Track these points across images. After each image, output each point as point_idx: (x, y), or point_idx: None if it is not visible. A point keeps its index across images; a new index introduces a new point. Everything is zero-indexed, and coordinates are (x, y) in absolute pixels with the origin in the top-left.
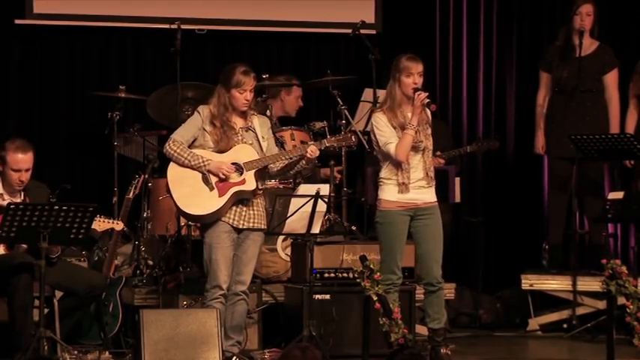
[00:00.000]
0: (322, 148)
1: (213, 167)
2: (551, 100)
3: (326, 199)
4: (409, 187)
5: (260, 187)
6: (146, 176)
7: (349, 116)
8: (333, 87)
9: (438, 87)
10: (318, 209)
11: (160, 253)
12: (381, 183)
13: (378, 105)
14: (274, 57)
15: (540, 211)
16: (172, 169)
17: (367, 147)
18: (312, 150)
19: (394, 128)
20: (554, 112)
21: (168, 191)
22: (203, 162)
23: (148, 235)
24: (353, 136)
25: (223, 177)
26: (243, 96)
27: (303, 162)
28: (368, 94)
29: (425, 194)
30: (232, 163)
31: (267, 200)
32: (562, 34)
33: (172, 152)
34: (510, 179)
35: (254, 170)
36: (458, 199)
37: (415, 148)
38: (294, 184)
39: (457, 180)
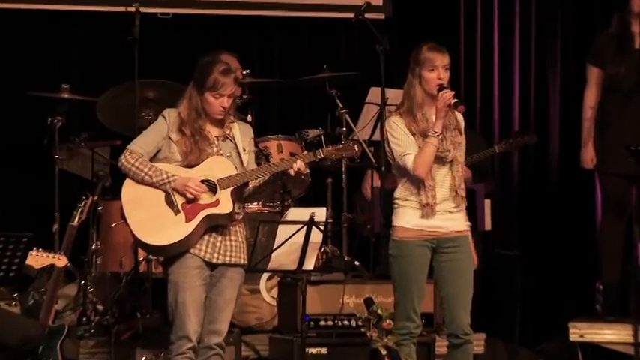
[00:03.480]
0: (317, 160)
1: (178, 185)
2: (603, 101)
3: (322, 227)
4: (434, 210)
5: (238, 211)
6: (95, 198)
7: (351, 122)
8: (331, 86)
9: (463, 83)
10: (311, 239)
11: (113, 295)
12: (397, 205)
13: (390, 106)
14: (257, 48)
15: (592, 241)
16: (128, 188)
17: (374, 161)
18: (299, 166)
19: (413, 136)
20: (608, 116)
21: (123, 216)
22: (167, 178)
23: (98, 273)
24: (356, 146)
25: (191, 197)
26: (218, 102)
27: (284, 179)
28: (375, 94)
29: (452, 220)
30: (203, 181)
31: (249, 228)
32: (617, 19)
33: (129, 166)
34: (554, 201)
35: (230, 189)
36: (488, 226)
37: (441, 160)
38: (281, 208)
39: (487, 202)
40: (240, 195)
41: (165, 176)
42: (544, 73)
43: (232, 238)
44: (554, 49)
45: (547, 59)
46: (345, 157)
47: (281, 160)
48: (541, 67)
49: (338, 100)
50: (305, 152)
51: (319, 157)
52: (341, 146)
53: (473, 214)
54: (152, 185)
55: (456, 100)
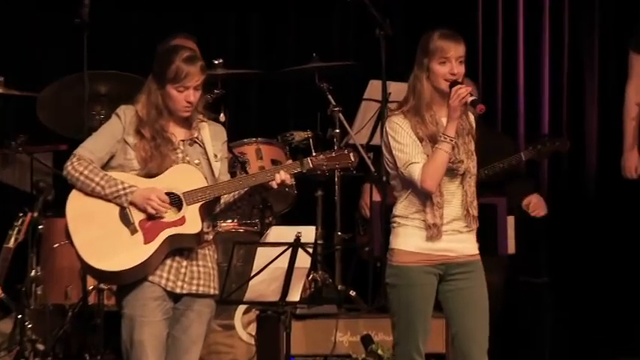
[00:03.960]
0: (305, 171)
1: (137, 198)
2: None
3: (310, 249)
4: (442, 231)
5: (207, 230)
6: (35, 214)
7: (346, 123)
8: (322, 78)
9: (482, 78)
10: (297, 265)
11: (56, 332)
12: (396, 224)
13: (393, 103)
14: (232, 32)
15: (638, 267)
16: (75, 202)
17: (373, 169)
18: (282, 178)
19: (420, 141)
20: None
21: (69, 236)
22: (124, 189)
23: (38, 305)
24: (351, 154)
25: (153, 212)
26: (183, 95)
27: (265, 193)
28: (374, 88)
29: (463, 242)
30: (167, 193)
31: (221, 251)
32: None
33: (77, 175)
34: (591, 219)
35: (198, 204)
36: (512, 249)
37: (451, 172)
38: (261, 226)
39: (510, 220)
40: (210, 211)
41: (120, 187)
42: (579, 64)
43: (200, 263)
44: (591, 35)
45: (583, 47)
46: (338, 167)
47: (260, 169)
48: (576, 57)
49: (330, 96)
50: (290, 161)
51: (307, 167)
52: (334, 154)
53: (493, 233)
54: (104, 198)
55: (473, 97)
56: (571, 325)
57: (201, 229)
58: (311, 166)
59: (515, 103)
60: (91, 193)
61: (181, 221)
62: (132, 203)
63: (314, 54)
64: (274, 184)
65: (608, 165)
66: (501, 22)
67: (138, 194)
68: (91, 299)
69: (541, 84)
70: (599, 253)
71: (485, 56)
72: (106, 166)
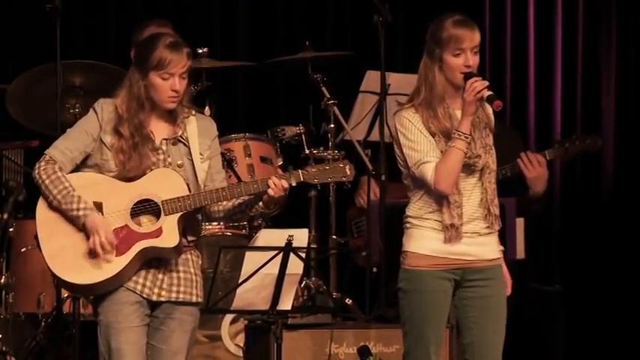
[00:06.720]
0: (294, 185)
1: (89, 223)
2: None
3: (303, 254)
4: (461, 233)
5: (188, 243)
6: (5, 216)
7: (341, 117)
8: (315, 69)
9: (489, 69)
10: (289, 271)
11: (28, 343)
12: (409, 225)
13: (392, 96)
14: (217, 20)
15: None
16: (45, 204)
17: (371, 167)
18: (276, 184)
19: (433, 135)
20: None
21: (38, 242)
22: (77, 210)
23: (9, 314)
24: (347, 166)
25: (90, 246)
26: (169, 84)
27: (261, 204)
28: (372, 79)
29: (483, 245)
30: (143, 200)
31: (206, 255)
32: None
33: (40, 181)
34: (607, 223)
35: (178, 215)
36: (521, 254)
37: (468, 168)
38: (249, 230)
39: (520, 222)
40: (192, 222)
41: (75, 206)
42: (595, 54)
43: (181, 268)
44: (608, 21)
45: (599, 38)
46: (331, 181)
47: (249, 167)
48: (591, 46)
49: (324, 88)
50: (280, 173)
51: (297, 180)
52: (327, 167)
53: (501, 237)
54: (62, 211)
55: (490, 92)
56: (585, 337)
57: (180, 243)
58: (302, 179)
59: (525, 98)
60: (50, 205)
61: (157, 233)
62: (85, 226)
63: (306, 42)
64: (271, 192)
65: (627, 166)
66: (510, 7)
67: (90, 220)
68: (66, 308)
69: (553, 77)
70: (616, 259)
71: (493, 46)
72: (82, 165)
